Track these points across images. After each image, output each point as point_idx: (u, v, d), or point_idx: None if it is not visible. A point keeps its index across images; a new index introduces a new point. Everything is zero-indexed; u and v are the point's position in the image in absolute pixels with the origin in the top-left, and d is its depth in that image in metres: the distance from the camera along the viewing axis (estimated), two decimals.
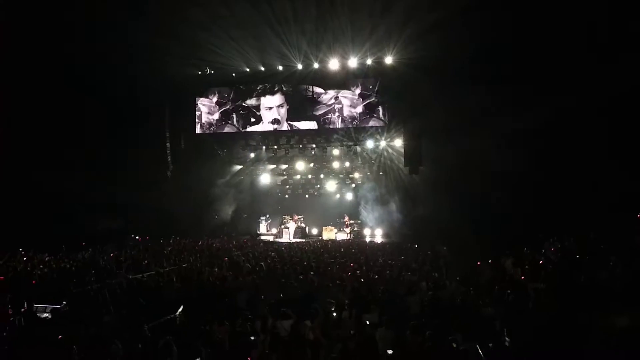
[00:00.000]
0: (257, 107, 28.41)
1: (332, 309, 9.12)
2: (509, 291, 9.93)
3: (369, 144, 27.99)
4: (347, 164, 28.81)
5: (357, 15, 22.55)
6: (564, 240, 15.20)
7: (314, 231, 29.59)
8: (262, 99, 28.32)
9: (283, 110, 28.13)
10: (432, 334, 7.18)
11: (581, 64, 19.20)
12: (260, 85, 28.34)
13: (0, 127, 22.63)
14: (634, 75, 16.91)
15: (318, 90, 28.01)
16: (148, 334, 7.53)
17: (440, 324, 7.80)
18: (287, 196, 30.04)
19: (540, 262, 12.75)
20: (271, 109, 28.19)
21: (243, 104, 29.00)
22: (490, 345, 7.08)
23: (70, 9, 20.88)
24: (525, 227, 18.85)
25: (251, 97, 28.69)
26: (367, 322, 8.40)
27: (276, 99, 28.17)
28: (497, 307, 9.75)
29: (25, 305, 9.22)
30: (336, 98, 27.68)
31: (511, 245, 15.71)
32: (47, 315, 9.38)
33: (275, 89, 28.12)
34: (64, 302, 9.93)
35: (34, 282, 12.24)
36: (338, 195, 29.24)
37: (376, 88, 27.28)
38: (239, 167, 29.93)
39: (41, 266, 14.25)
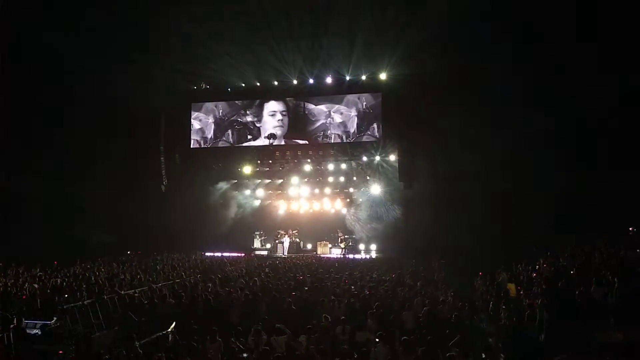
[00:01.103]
0: (257, 120, 28.83)
1: (327, 324, 9.04)
2: (503, 307, 9.92)
3: (364, 159, 28.07)
4: (342, 178, 28.80)
5: (352, 32, 22.84)
6: (559, 256, 15.20)
7: (309, 246, 29.41)
8: (266, 104, 28.74)
9: (286, 120, 28.48)
10: (425, 350, 7.14)
11: (574, 82, 19.51)
12: (259, 100, 28.70)
13: None
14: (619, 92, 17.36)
15: (312, 106, 28.25)
16: (139, 351, 7.43)
17: (435, 339, 7.76)
18: (281, 211, 29.92)
19: (535, 276, 12.75)
20: (274, 114, 28.49)
21: (239, 119, 29.21)
22: None
23: (66, 19, 21.12)
24: (519, 242, 18.88)
25: (248, 111, 28.99)
26: (362, 339, 8.35)
27: (280, 105, 28.64)
28: (491, 323, 9.72)
29: (15, 321, 9.07)
30: (331, 114, 27.89)
31: (505, 260, 15.71)
32: (37, 331, 9.25)
33: (278, 97, 28.60)
34: (55, 318, 9.79)
35: (24, 297, 12.07)
36: (333, 210, 29.13)
37: (371, 104, 27.49)
38: (233, 181, 29.87)
39: (32, 282, 14.05)
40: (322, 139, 28.13)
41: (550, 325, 8.65)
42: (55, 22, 21.30)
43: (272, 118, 28.64)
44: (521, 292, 11.68)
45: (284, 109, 28.55)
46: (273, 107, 28.66)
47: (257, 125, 29.02)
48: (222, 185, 29.48)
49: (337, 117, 27.83)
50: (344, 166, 28.55)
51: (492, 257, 17.34)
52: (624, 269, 10.62)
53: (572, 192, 19.62)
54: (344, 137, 27.93)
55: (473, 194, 22.54)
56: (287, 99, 28.55)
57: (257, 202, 29.99)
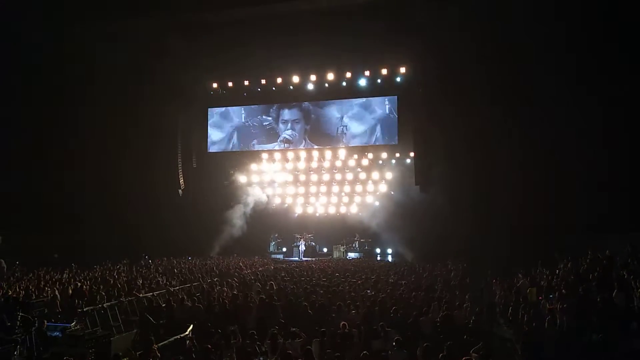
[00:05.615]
0: (274, 124, 29.25)
1: (342, 329, 9.00)
2: (523, 312, 9.75)
3: (380, 162, 27.95)
4: (358, 182, 28.73)
5: (368, 32, 22.72)
6: (580, 260, 14.88)
7: (325, 249, 29.36)
8: (281, 111, 29.14)
9: (300, 126, 28.70)
10: (443, 356, 7.05)
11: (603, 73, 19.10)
12: (277, 104, 29.07)
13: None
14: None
15: (327, 110, 28.35)
16: (157, 354, 7.48)
17: (454, 345, 7.66)
18: (297, 214, 29.91)
19: (555, 282, 12.50)
20: (286, 122, 28.92)
21: (255, 123, 29.48)
22: None
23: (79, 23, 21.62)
24: (540, 247, 18.53)
25: (265, 115, 29.25)
26: (378, 345, 8.29)
27: (293, 113, 28.99)
28: (511, 328, 9.57)
29: (36, 324, 9.24)
30: (346, 116, 27.94)
31: (525, 264, 15.45)
32: (57, 333, 9.40)
33: (293, 104, 28.87)
34: (75, 321, 9.95)
35: (44, 300, 12.30)
36: (348, 213, 29.02)
37: (387, 107, 27.43)
38: (249, 185, 30.00)
39: (53, 286, 14.30)
40: (338, 142, 28.18)
41: (571, 331, 8.47)
42: (69, 28, 21.82)
43: (285, 125, 28.96)
44: (541, 297, 11.47)
45: (297, 117, 28.85)
46: (287, 115, 29.00)
47: (274, 129, 29.24)
48: (239, 189, 29.64)
49: (352, 120, 27.87)
50: (359, 169, 28.46)
51: (511, 261, 17.09)
52: None
53: (597, 195, 19.03)
54: (360, 140, 27.92)
55: (493, 197, 22.21)
56: (303, 103, 28.71)
57: (273, 206, 30.05)
